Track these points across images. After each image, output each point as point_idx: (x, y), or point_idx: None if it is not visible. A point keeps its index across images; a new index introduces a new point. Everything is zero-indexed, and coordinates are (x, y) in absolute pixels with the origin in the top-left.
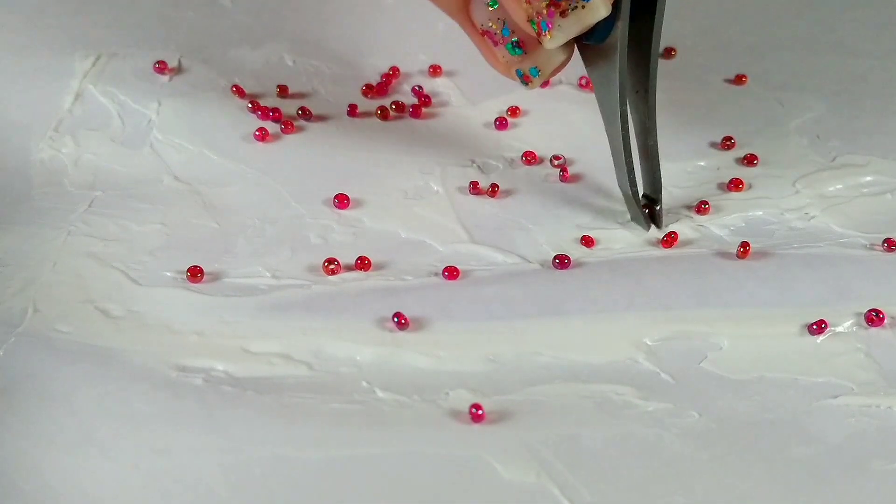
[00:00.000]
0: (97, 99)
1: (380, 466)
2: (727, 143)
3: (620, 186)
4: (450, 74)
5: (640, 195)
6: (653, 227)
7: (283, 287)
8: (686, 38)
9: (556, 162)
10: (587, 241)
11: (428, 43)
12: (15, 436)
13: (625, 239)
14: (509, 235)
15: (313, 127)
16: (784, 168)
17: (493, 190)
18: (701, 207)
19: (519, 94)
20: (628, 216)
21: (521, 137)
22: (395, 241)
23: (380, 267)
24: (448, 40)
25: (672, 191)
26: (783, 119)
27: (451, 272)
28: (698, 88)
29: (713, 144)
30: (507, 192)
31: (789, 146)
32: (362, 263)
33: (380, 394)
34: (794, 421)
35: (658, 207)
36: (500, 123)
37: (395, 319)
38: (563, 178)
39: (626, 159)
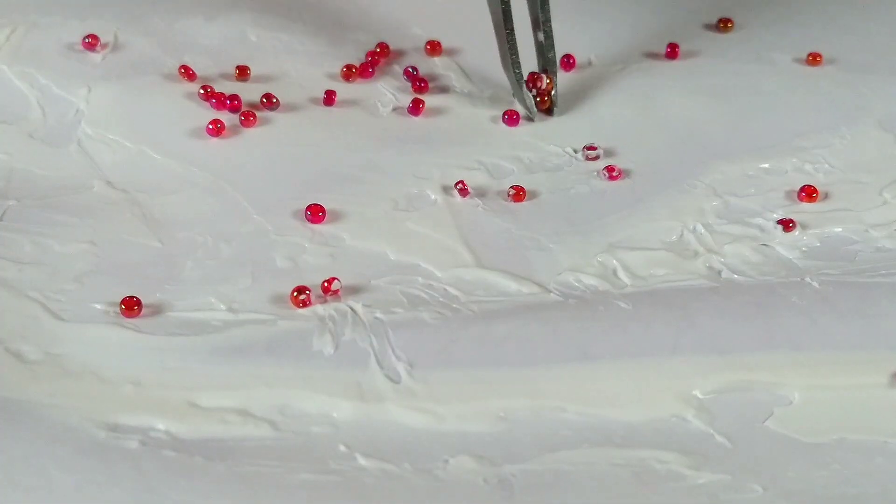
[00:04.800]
0: (11, 83)
1: None
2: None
3: (502, 62)
4: (451, 53)
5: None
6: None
7: (241, 323)
8: (745, 7)
9: (590, 153)
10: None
11: (424, 14)
12: None
13: (671, 263)
14: (525, 257)
15: (280, 119)
16: (868, 172)
17: (506, 199)
18: (788, 225)
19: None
20: (673, 234)
21: (539, 132)
22: (383, 264)
23: (363, 297)
24: (449, 10)
25: (729, 200)
26: (866, 109)
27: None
28: (761, 70)
29: (780, 144)
30: (523, 202)
31: (874, 144)
32: (329, 287)
33: (362, 461)
34: (882, 495)
35: (553, 92)
36: (512, 116)
37: None
38: (611, 176)
39: (506, 30)
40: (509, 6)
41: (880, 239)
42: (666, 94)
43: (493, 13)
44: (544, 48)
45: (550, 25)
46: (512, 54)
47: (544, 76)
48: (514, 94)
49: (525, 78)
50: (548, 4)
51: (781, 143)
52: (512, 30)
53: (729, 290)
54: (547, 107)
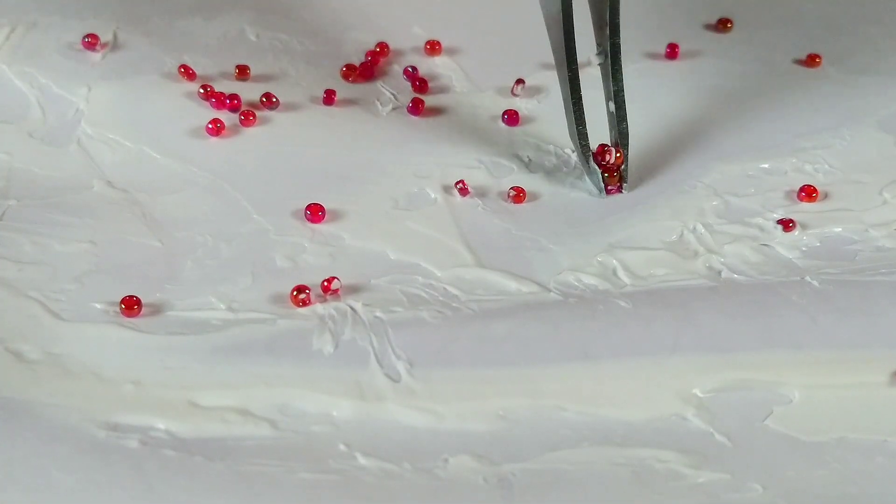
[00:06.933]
0: (11, 83)
1: None
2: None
3: (570, 134)
4: (451, 52)
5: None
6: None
7: (241, 323)
8: (745, 7)
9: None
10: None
11: (424, 14)
12: None
13: (671, 263)
14: (525, 257)
15: (280, 118)
16: (868, 172)
17: (506, 198)
18: (788, 225)
19: (538, 77)
20: (673, 234)
21: (539, 132)
22: (383, 263)
23: (363, 296)
24: (449, 10)
25: (729, 200)
26: (865, 110)
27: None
28: (760, 71)
29: (780, 144)
30: (523, 202)
31: (874, 144)
32: (329, 286)
33: (362, 460)
34: (882, 495)
35: (624, 166)
36: (512, 116)
37: None
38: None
39: (573, 99)
40: (577, 75)
41: (880, 238)
42: (666, 94)
43: (561, 82)
44: (616, 119)
45: (623, 96)
46: (579, 125)
47: (614, 150)
48: (582, 167)
49: (593, 151)
50: (621, 74)
51: (781, 144)
52: (580, 99)
53: (729, 289)
54: (616, 183)
